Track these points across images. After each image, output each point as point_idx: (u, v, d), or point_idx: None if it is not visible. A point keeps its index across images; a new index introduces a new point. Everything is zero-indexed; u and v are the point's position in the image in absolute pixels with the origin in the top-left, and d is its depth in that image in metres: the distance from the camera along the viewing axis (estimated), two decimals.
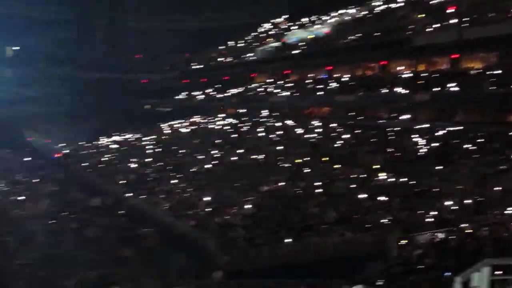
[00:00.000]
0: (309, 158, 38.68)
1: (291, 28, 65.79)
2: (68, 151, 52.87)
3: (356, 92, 44.86)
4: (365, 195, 28.09)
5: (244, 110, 61.73)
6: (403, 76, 42.36)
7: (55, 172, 45.54)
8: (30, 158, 56.84)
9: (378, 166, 33.44)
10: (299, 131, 46.70)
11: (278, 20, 72.93)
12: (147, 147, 56.16)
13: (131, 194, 36.22)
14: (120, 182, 40.35)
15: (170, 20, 79.28)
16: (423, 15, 43.18)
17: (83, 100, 24.50)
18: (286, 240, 23.65)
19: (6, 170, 46.29)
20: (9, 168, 47.92)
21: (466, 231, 21.34)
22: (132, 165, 46.75)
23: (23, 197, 34.22)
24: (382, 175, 31.82)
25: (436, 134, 35.89)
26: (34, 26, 63.83)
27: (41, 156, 58.96)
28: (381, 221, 24.29)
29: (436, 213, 24.11)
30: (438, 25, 39.19)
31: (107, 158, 53.23)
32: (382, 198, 27.30)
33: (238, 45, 71.92)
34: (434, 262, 18.38)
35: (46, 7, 60.68)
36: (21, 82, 64.22)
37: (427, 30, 40.04)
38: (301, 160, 38.66)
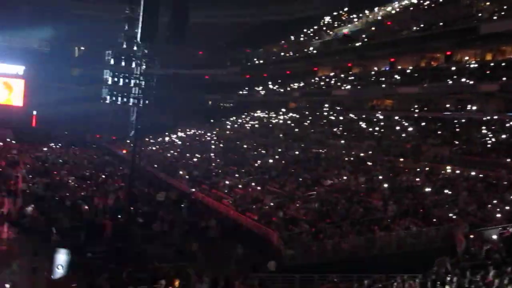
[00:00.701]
0: (372, 152, 38.20)
1: (353, 19, 65.05)
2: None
3: (420, 84, 43.92)
4: (431, 189, 27.51)
5: (306, 104, 61.60)
6: (469, 66, 41.22)
7: (122, 167, 46.60)
8: (97, 155, 58.52)
9: (444, 159, 32.67)
10: (362, 124, 46.15)
11: (338, 12, 72.14)
12: (210, 142, 56.86)
13: (195, 189, 36.76)
14: (185, 177, 40.99)
15: (231, 15, 79.71)
16: (489, 2, 41.88)
17: (149, 96, 25.22)
18: (350, 234, 23.49)
19: (76, 166, 47.71)
20: (78, 164, 49.39)
21: None
22: (196, 160, 47.45)
23: (92, 193, 35.17)
24: (449, 168, 31.10)
25: (505, 125, 34.75)
26: (100, 26, 65.63)
27: (108, 152, 60.57)
28: (448, 215, 23.72)
29: (507, 207, 23.30)
30: (506, 12, 37.96)
31: (171, 153, 54.26)
32: (449, 191, 26.66)
33: (300, 38, 71.56)
34: (503, 257, 17.83)
35: (111, 7, 62.30)
36: (88, 81, 66.15)
37: (494, 17, 38.81)
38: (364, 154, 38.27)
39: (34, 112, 72.11)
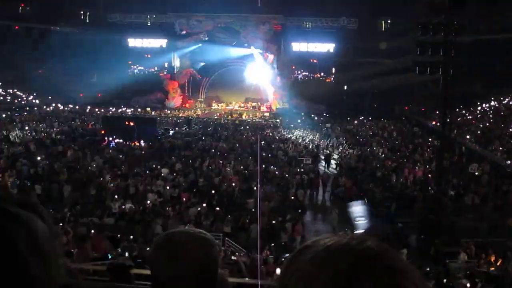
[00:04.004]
0: None
1: None
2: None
3: None
4: None
5: None
6: None
7: (431, 139, 45.99)
8: (406, 126, 58.79)
9: None
10: None
11: None
12: None
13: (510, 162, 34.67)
14: (499, 148, 38.88)
15: None
16: None
17: (458, 65, 24.27)
18: None
19: (385, 138, 48.66)
20: (387, 136, 50.28)
21: None
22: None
23: (401, 164, 35.51)
24: None
25: None
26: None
27: (417, 124, 60.19)
28: None
29: None
30: None
31: (484, 123, 52.05)
32: None
33: None
34: None
35: None
36: (395, 54, 66.29)
37: None
38: None
39: (345, 87, 75.14)
